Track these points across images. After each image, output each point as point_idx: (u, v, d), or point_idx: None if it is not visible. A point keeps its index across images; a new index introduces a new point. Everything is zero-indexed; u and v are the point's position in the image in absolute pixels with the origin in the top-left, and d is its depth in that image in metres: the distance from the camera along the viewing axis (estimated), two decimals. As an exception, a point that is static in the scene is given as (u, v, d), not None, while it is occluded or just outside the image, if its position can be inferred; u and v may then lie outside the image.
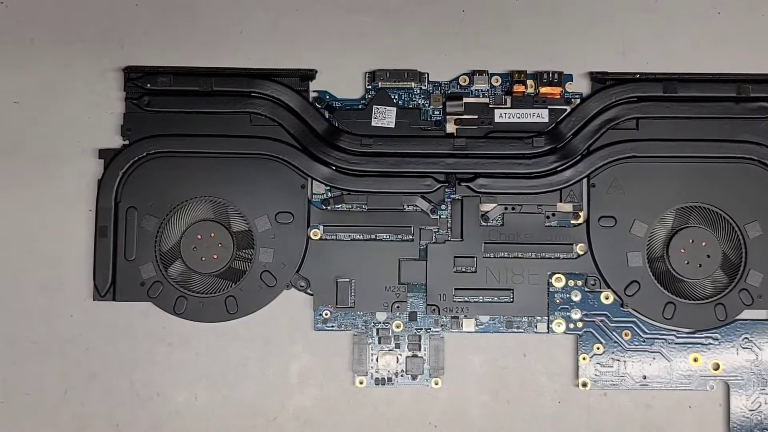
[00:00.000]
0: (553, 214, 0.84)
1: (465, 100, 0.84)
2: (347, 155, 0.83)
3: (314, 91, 0.85)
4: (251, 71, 0.83)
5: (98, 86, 0.86)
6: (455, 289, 0.83)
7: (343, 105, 0.85)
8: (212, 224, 0.83)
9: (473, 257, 0.83)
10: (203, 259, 0.82)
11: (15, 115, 0.86)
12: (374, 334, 0.83)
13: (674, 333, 0.84)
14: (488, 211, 0.83)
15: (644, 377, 0.83)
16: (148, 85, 0.83)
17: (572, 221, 0.84)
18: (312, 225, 0.83)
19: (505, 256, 0.83)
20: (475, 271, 0.83)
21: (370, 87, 0.85)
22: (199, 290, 0.83)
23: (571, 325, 0.84)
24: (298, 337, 0.84)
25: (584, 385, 0.83)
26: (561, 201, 0.84)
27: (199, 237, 0.82)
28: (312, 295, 0.83)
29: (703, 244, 0.83)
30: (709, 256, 0.83)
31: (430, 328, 0.83)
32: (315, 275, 0.83)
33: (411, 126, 0.84)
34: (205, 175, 0.83)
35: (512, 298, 0.83)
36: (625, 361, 0.83)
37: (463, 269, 0.83)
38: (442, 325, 0.83)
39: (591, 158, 0.84)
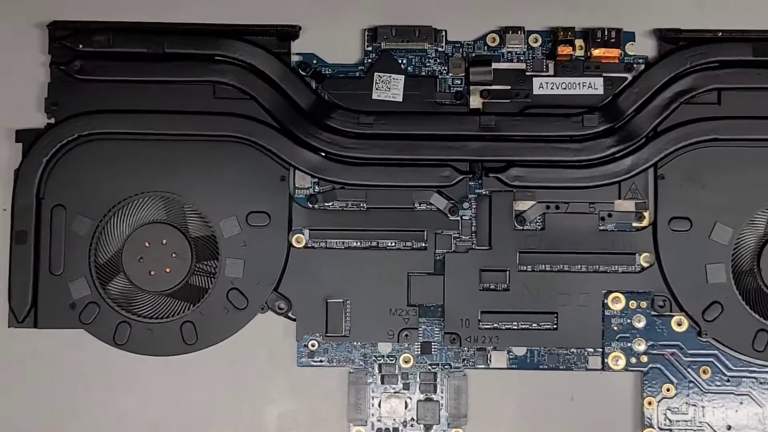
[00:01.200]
0: (610, 215, 0.82)
1: (494, 65, 0.82)
2: (340, 138, 0.81)
3: (297, 54, 0.83)
4: (215, 28, 0.83)
5: (14, 47, 0.85)
6: (481, 312, 0.81)
7: (335, 72, 0.83)
8: (164, 228, 0.81)
9: (505, 271, 0.81)
10: (152, 273, 0.80)
11: None
12: (376, 371, 0.81)
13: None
14: (525, 211, 0.82)
15: (729, 428, 0.82)
16: (80, 46, 0.81)
17: (635, 224, 0.83)
18: (295, 228, 0.82)
19: (547, 269, 0.81)
20: (508, 289, 0.81)
21: (370, 48, 0.83)
22: (148, 314, 0.81)
23: (633, 360, 0.82)
24: (277, 376, 0.83)
25: (651, 437, 0.81)
26: (620, 197, 0.83)
27: (146, 244, 0.80)
28: (295, 320, 0.81)
29: (807, 254, 0.81)
30: (814, 271, 0.80)
31: (448, 364, 0.81)
32: (298, 294, 0.81)
33: (424, 99, 0.82)
34: (155, 164, 0.81)
35: (556, 324, 0.81)
36: (703, 407, 0.83)
37: (492, 286, 0.81)
38: (464, 360, 0.81)
39: (659, 142, 0.82)
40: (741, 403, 0.81)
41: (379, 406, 0.80)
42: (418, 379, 0.80)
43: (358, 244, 0.81)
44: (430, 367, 0.81)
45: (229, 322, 0.80)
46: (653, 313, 0.81)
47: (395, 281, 0.80)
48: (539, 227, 0.81)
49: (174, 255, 0.80)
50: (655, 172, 0.82)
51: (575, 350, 0.81)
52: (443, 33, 0.82)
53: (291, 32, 0.81)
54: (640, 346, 0.81)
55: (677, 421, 0.81)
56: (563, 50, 0.81)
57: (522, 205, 0.81)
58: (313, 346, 0.80)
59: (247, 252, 0.80)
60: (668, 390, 0.81)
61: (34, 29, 0.83)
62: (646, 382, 0.81)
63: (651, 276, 0.82)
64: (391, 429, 0.81)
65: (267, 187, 0.80)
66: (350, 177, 0.81)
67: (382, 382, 0.81)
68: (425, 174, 0.80)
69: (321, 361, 0.81)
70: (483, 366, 0.81)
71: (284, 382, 0.82)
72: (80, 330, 0.80)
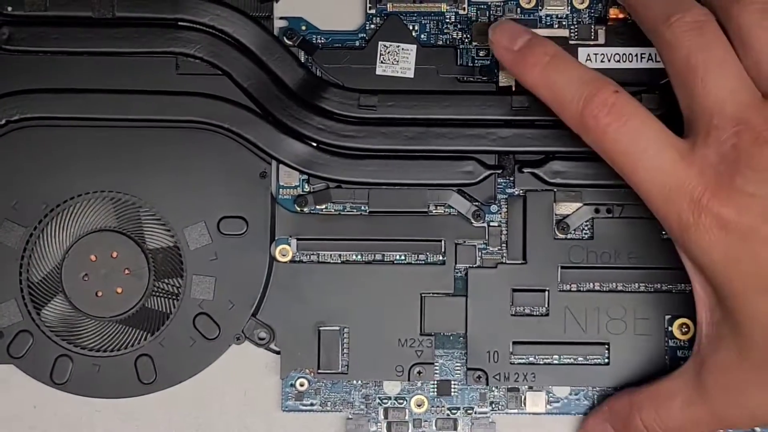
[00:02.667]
0: (676, 220, 0.79)
1: (530, 32, 0.80)
2: (336, 123, 0.77)
3: (282, 19, 0.79)
4: (179, -14, 0.80)
5: (-75, 10, 0.80)
6: (514, 343, 0.77)
7: (328, 41, 0.79)
8: (114, 237, 0.78)
9: (544, 290, 0.77)
10: (99, 294, 0.77)
11: None
12: (380, 417, 0.78)
13: None
14: (568, 215, 0.78)
15: (826, 490, 0.75)
16: (9, 9, 0.77)
17: (707, 231, 0.79)
18: (278, 238, 0.78)
19: (596, 288, 0.77)
20: (547, 314, 0.77)
21: (373, 11, 0.79)
22: (94, 346, 0.77)
23: (706, 402, 0.77)
24: (256, 423, 0.79)
25: (727, 499, 0.78)
26: (688, 198, 0.79)
27: (92, 258, 0.77)
28: (279, 352, 0.78)
29: None
30: None
31: (472, 408, 0.77)
32: (283, 320, 0.78)
33: (441, 75, 0.78)
34: (103, 157, 0.78)
35: (607, 357, 0.76)
36: (793, 457, 0.77)
37: (528, 310, 0.78)
38: (492, 403, 0.78)
39: (736, 127, 0.78)
40: None
41: (386, 460, 0.77)
42: (434, 427, 0.77)
43: (359, 257, 0.78)
44: (449, 412, 0.77)
45: (196, 355, 0.77)
46: (730, 343, 0.76)
47: (405, 304, 0.77)
48: (586, 236, 0.77)
49: (127, 271, 0.76)
50: (733, 166, 0.77)
51: (633, 390, 0.76)
52: (466, -9, 0.79)
53: (273, -9, 0.78)
54: (714, 384, 0.76)
55: (759, 474, 0.76)
56: (616, 13, 0.77)
57: (565, 208, 0.77)
58: (301, 385, 0.77)
59: (219, 268, 0.77)
60: (749, 439, 0.76)
61: (-51, -12, 0.78)
62: (721, 429, 0.77)
63: (727, 297, 0.76)
64: (399, 491, 0.77)
65: (243, 185, 0.77)
66: (348, 173, 0.77)
67: (389, 431, 0.77)
68: (442, 169, 0.77)
69: (312, 404, 0.78)
70: (516, 410, 0.77)
71: (265, 431, 0.78)
72: (9, 365, 0.76)
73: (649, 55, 0.76)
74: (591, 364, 0.76)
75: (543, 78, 0.66)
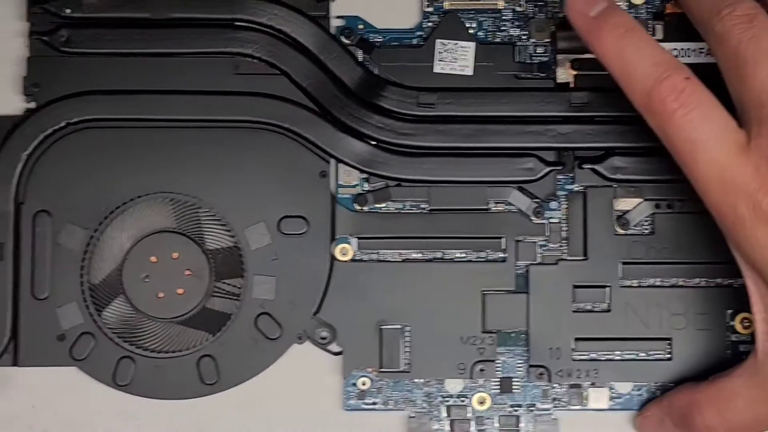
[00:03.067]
0: (739, 215, 0.78)
1: (587, 28, 0.79)
2: (395, 122, 0.77)
3: (339, 18, 0.79)
4: (236, -14, 0.79)
5: (-16, 14, 0.80)
6: (576, 339, 0.76)
7: (386, 40, 0.79)
8: (175, 238, 0.78)
9: (605, 287, 0.76)
10: (160, 295, 0.77)
11: None
12: (443, 415, 0.77)
13: None
14: (628, 211, 0.78)
15: None
16: (67, 11, 0.77)
17: (773, 226, 0.78)
18: (339, 237, 0.78)
19: (658, 284, 0.76)
20: (609, 310, 0.76)
21: (430, 9, 0.79)
22: (156, 347, 0.77)
23: (769, 397, 0.75)
24: (319, 422, 0.79)
25: (791, 494, 0.75)
26: (752, 191, 0.77)
27: (153, 259, 0.77)
28: (340, 352, 0.78)
29: None
30: None
31: (534, 405, 0.77)
32: (345, 319, 0.78)
33: (499, 73, 0.78)
34: (163, 159, 0.78)
35: (670, 353, 0.75)
36: None
37: (589, 306, 0.77)
38: (554, 400, 0.77)
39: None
40: None
41: (449, 458, 0.76)
42: (496, 424, 0.76)
43: (419, 255, 0.77)
44: (511, 409, 0.77)
45: (258, 355, 0.77)
46: (795, 338, 0.75)
47: (466, 302, 0.76)
48: (647, 231, 0.76)
49: (188, 272, 0.76)
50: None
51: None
52: (524, -12, 0.78)
53: (331, -10, 0.77)
54: (779, 379, 0.74)
55: (825, 472, 0.73)
56: (673, 8, 0.76)
57: (625, 204, 0.77)
58: (363, 384, 0.77)
59: (280, 267, 0.77)
60: (814, 435, 0.73)
61: (9, -8, 0.79)
62: (785, 425, 0.74)
63: (793, 291, 0.75)
64: (462, 489, 0.76)
65: (303, 185, 0.77)
66: (408, 171, 0.77)
67: (452, 429, 0.76)
68: (502, 166, 0.76)
69: (374, 403, 0.77)
70: (578, 407, 0.76)
71: (328, 430, 0.78)
72: (72, 368, 0.76)
73: (707, 49, 0.74)
74: (653, 360, 0.75)
75: (615, 50, 0.65)
